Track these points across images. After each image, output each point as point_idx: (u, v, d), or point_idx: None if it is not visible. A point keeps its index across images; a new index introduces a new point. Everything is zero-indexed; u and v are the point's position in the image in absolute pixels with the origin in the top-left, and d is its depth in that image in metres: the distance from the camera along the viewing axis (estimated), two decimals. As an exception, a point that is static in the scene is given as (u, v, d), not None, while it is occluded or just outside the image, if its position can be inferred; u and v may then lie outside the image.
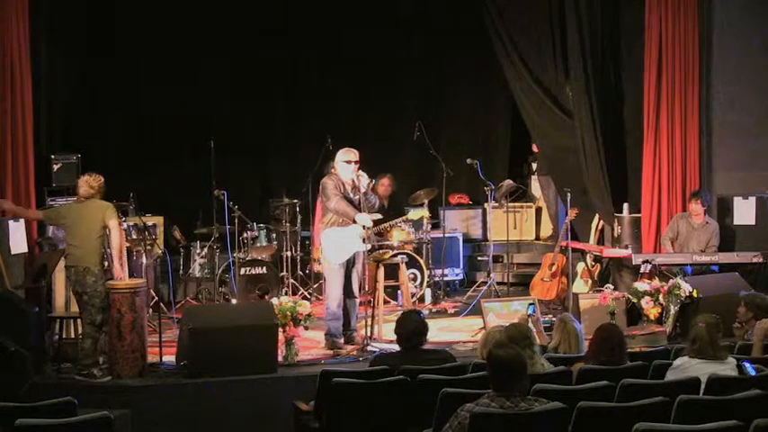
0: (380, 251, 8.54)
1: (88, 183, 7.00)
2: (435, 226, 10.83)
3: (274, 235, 9.97)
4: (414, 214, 9.03)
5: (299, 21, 11.45)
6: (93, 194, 6.95)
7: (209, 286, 9.73)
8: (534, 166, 12.17)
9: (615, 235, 9.64)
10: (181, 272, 9.96)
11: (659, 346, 7.02)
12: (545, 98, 10.37)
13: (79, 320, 7.17)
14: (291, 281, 9.69)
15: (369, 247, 7.85)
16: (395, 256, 8.89)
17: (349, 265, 7.77)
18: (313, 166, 9.70)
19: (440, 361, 5.49)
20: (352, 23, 11.53)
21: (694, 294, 7.79)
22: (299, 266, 9.99)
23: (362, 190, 7.74)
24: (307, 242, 10.25)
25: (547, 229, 11.99)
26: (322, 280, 8.54)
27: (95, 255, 6.86)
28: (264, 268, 9.38)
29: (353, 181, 7.73)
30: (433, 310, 9.65)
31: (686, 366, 5.11)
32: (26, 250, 7.95)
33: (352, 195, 7.74)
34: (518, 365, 4.17)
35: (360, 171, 7.77)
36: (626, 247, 9.24)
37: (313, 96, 11.63)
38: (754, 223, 8.99)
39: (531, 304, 7.70)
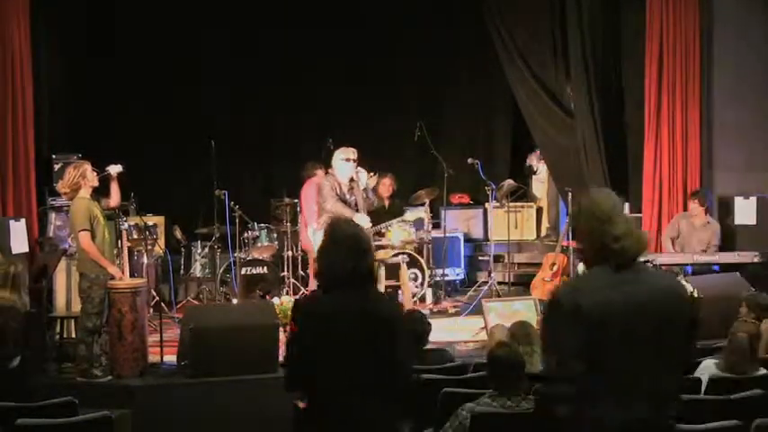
0: (380, 251, 8.52)
1: (60, 188, 6.75)
2: (436, 226, 10.81)
3: (275, 235, 9.95)
4: (411, 215, 9.01)
5: (299, 21, 11.44)
6: (72, 194, 6.67)
7: (210, 286, 9.73)
8: (535, 166, 12.15)
9: (616, 235, 9.61)
10: (182, 272, 9.96)
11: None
12: (546, 97, 10.36)
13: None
14: (292, 280, 9.68)
15: (366, 247, 7.82)
16: (395, 255, 8.89)
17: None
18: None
19: (440, 361, 5.48)
20: (352, 23, 11.52)
21: (695, 294, 7.77)
22: (299, 266, 9.99)
23: (362, 186, 7.73)
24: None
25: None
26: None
27: (86, 259, 6.65)
28: (265, 268, 9.38)
29: (351, 179, 7.71)
30: (434, 309, 9.64)
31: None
32: (27, 250, 7.96)
33: (348, 197, 7.73)
34: (515, 365, 4.17)
35: (358, 168, 7.76)
36: (627, 246, 9.20)
37: (313, 96, 11.61)
38: (755, 223, 8.98)
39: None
